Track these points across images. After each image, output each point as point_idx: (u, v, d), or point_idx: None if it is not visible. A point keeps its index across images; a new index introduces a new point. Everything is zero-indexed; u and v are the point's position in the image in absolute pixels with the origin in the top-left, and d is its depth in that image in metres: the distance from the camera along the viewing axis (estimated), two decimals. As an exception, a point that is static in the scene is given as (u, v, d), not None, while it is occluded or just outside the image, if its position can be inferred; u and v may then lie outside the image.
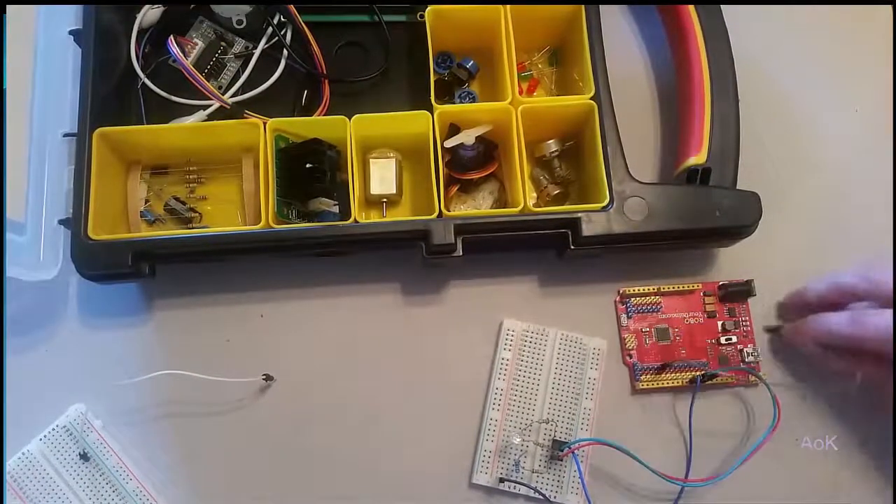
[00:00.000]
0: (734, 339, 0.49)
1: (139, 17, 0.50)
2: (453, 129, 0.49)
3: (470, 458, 0.47)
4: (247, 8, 0.51)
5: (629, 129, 0.48)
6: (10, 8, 0.51)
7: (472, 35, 0.51)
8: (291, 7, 0.50)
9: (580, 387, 0.48)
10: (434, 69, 0.49)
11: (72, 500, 0.45)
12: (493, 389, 0.47)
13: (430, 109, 0.48)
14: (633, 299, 0.50)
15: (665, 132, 0.54)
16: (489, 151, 0.50)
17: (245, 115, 0.48)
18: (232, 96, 0.50)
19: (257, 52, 0.51)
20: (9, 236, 0.45)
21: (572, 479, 0.46)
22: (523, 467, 0.46)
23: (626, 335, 0.49)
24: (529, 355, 0.48)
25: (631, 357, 0.49)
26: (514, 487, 0.46)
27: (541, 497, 0.45)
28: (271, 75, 0.51)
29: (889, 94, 0.55)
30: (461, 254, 0.46)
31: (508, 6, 0.49)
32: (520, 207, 0.46)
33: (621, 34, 0.56)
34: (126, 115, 0.51)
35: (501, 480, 0.46)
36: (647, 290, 0.50)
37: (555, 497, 0.46)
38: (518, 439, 0.46)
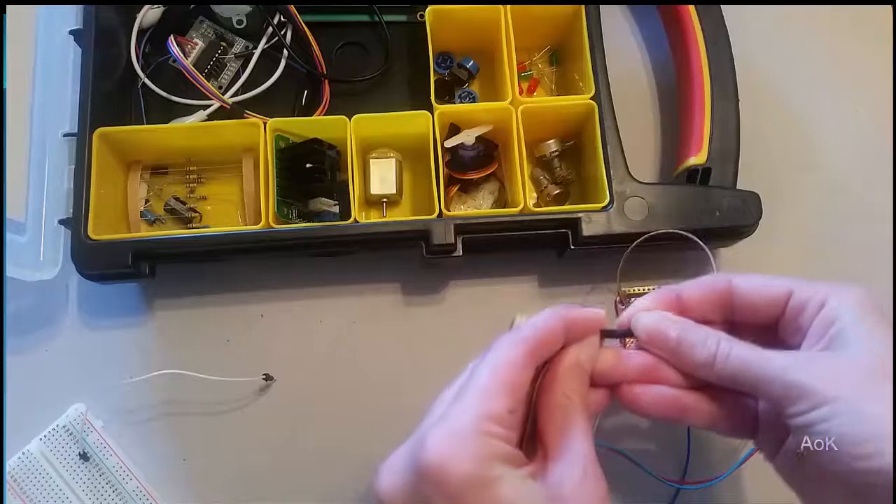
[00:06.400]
0: (734, 338, 0.49)
1: (139, 17, 0.50)
2: (453, 129, 0.49)
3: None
4: (247, 8, 0.51)
5: (629, 129, 0.48)
6: (10, 8, 0.51)
7: (472, 35, 0.51)
8: (291, 7, 0.50)
9: None
10: (434, 69, 0.49)
11: (72, 500, 0.45)
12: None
13: (430, 109, 0.48)
14: (633, 299, 0.50)
15: (665, 132, 0.54)
16: (489, 151, 0.50)
17: (245, 115, 0.48)
18: (232, 96, 0.50)
19: (257, 52, 0.51)
20: (9, 236, 0.45)
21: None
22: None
23: (626, 335, 0.49)
24: None
25: (631, 357, 0.49)
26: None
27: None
28: (271, 75, 0.51)
29: (889, 94, 0.55)
30: (461, 254, 0.46)
31: (508, 6, 0.49)
32: (520, 207, 0.46)
33: (621, 34, 0.56)
34: (126, 115, 0.51)
35: None
36: (647, 290, 0.50)
37: None
38: None
